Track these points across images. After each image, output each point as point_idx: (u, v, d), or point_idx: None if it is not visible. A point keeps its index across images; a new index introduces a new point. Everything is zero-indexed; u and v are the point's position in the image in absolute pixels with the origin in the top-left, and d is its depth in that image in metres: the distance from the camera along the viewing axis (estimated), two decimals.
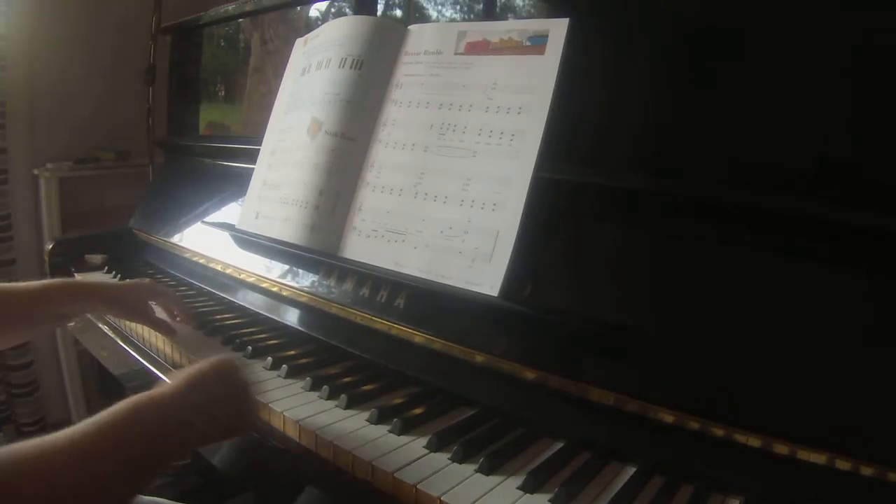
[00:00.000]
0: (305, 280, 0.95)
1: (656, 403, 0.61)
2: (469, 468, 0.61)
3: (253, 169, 1.08)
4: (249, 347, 0.87)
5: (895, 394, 0.51)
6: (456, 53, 0.85)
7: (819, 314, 0.58)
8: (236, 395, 0.65)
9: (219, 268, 1.13)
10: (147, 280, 1.01)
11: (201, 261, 1.19)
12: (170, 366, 0.90)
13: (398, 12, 1.28)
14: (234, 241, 1.09)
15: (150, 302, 0.97)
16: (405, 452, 0.63)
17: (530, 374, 0.70)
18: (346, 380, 0.80)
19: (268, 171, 1.05)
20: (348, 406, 0.72)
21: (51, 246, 1.39)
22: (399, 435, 0.66)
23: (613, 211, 0.73)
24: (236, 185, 1.18)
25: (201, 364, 0.65)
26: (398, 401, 0.74)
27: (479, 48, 0.83)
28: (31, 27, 1.83)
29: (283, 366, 0.81)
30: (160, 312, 0.98)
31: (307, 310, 0.95)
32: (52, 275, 1.37)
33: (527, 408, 0.70)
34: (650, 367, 0.63)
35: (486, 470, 0.60)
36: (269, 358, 0.84)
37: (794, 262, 0.60)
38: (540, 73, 0.76)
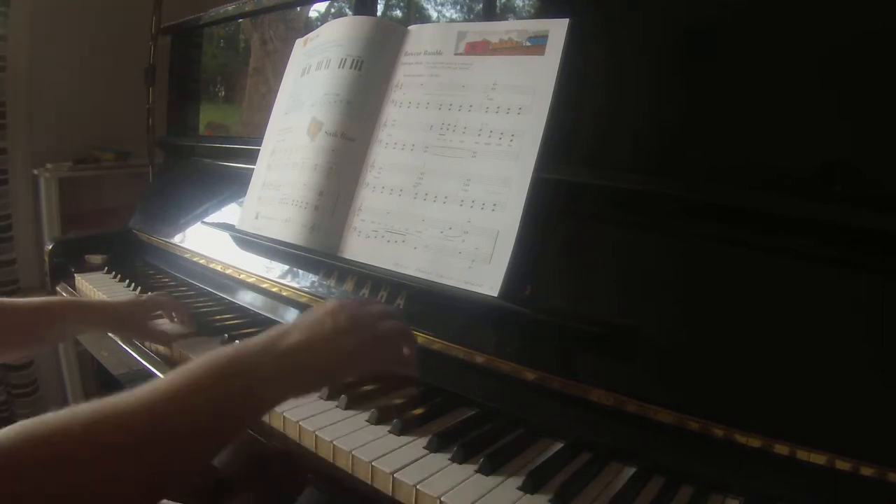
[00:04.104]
0: (305, 280, 0.95)
1: (656, 404, 0.61)
2: (469, 468, 0.61)
3: (253, 169, 1.08)
4: None
5: (895, 394, 0.51)
6: (456, 54, 0.85)
7: (818, 314, 0.58)
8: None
9: (219, 268, 1.13)
10: (147, 296, 0.99)
11: (201, 261, 1.19)
12: (170, 367, 0.90)
13: (398, 12, 1.28)
14: (234, 241, 1.09)
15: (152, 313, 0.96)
16: (405, 453, 0.63)
17: (530, 375, 0.70)
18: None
19: (268, 172, 1.05)
20: (348, 406, 0.72)
21: (51, 246, 1.39)
22: (399, 435, 0.66)
23: (614, 211, 0.73)
24: (236, 185, 1.18)
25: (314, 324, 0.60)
26: (398, 401, 0.74)
27: (479, 48, 0.83)
28: (31, 27, 1.83)
29: None
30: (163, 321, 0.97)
31: (307, 310, 0.94)
32: (53, 275, 1.37)
33: (527, 408, 0.69)
34: (650, 367, 0.63)
35: (486, 470, 0.60)
36: None
37: (793, 262, 0.60)
38: (540, 74, 0.76)
